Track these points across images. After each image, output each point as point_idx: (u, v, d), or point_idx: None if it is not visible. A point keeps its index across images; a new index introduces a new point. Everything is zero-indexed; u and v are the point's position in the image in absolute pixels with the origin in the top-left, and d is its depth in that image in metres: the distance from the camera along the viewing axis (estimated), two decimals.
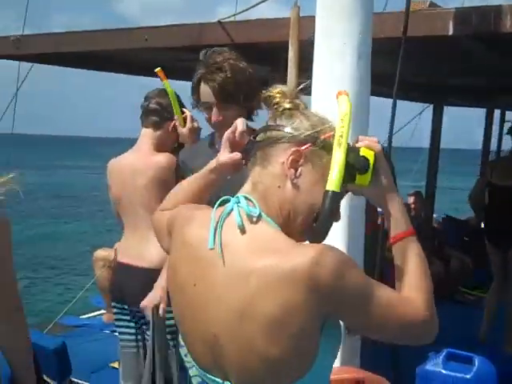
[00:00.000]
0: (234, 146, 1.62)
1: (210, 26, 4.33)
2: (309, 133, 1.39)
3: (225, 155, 1.62)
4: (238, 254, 1.32)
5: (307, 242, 1.39)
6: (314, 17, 2.75)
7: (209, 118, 2.51)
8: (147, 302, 2.97)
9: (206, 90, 2.47)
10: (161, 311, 2.95)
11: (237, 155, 1.60)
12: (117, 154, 3.35)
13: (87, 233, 18.69)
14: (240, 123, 1.62)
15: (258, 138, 1.45)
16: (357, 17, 2.63)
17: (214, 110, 2.46)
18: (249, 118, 2.51)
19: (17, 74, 6.03)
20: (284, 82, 3.24)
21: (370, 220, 2.83)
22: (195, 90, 2.53)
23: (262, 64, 3.79)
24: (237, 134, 1.61)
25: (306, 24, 3.18)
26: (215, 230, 1.37)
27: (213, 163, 1.65)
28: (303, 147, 1.38)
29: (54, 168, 45.25)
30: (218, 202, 1.44)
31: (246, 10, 4.74)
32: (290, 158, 1.37)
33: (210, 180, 1.66)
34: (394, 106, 2.93)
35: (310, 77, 2.72)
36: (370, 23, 2.68)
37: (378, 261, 3.06)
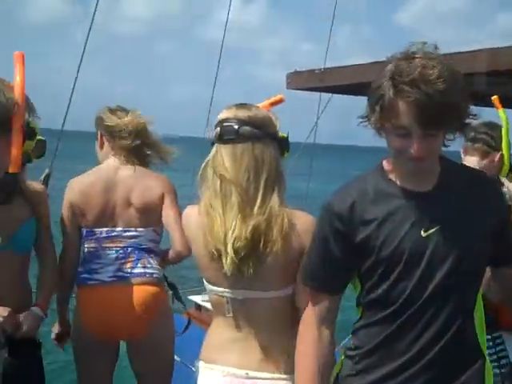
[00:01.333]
0: None
1: None
2: None
3: None
4: None
5: None
6: None
7: (401, 147, 1.78)
8: None
9: (402, 109, 1.72)
10: None
11: None
12: None
13: None
14: None
15: None
16: None
17: (417, 140, 1.74)
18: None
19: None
20: None
21: None
22: (381, 108, 1.77)
23: None
24: None
25: None
26: None
27: None
28: None
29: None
30: None
31: None
32: None
33: None
34: None
35: None
36: None
37: None
